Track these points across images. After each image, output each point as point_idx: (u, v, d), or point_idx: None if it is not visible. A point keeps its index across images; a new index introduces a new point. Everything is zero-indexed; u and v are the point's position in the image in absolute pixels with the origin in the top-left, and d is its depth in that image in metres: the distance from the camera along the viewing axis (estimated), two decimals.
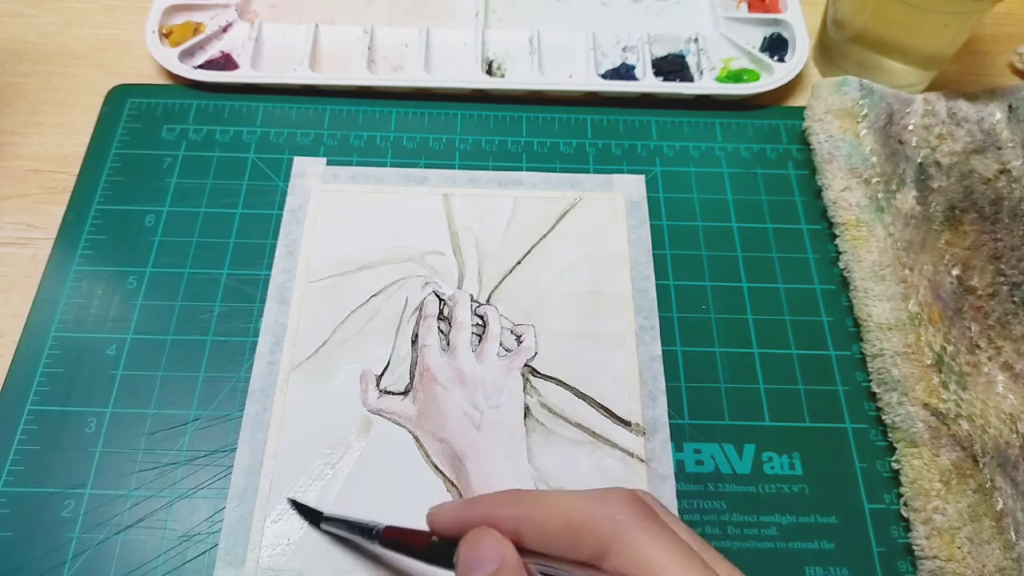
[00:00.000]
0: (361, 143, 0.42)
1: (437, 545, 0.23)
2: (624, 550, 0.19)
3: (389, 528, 0.26)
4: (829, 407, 0.34)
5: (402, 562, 0.30)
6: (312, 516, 0.30)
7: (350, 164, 0.40)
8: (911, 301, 0.35)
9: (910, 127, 0.41)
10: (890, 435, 0.33)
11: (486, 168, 0.41)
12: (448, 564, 0.23)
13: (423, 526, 0.31)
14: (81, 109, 0.42)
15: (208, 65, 0.44)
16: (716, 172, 0.41)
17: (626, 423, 0.33)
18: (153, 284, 0.37)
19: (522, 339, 0.35)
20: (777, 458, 0.33)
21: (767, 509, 0.32)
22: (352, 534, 0.29)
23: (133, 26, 0.45)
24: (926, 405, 0.33)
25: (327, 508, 0.31)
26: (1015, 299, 0.36)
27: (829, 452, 0.33)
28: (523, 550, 0.21)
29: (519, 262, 0.38)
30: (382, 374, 0.34)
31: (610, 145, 0.42)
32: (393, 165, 0.41)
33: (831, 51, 0.45)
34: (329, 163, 0.40)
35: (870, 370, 0.35)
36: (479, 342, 0.35)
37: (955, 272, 0.36)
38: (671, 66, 0.45)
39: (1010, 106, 0.41)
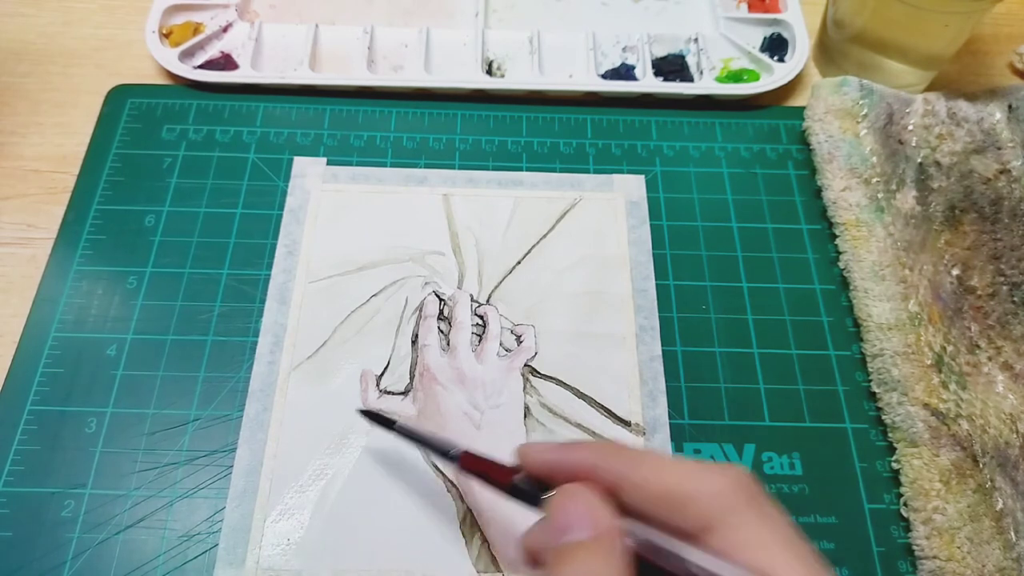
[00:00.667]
0: (361, 143, 0.42)
1: (521, 482, 0.22)
2: (730, 532, 0.18)
3: (467, 454, 0.25)
4: (829, 407, 0.34)
5: (402, 561, 0.30)
6: (385, 423, 0.29)
7: (350, 164, 0.40)
8: (911, 301, 0.35)
9: (910, 127, 0.41)
10: (890, 435, 0.33)
11: (486, 168, 0.41)
12: (528, 501, 0.22)
13: (423, 527, 0.31)
14: (81, 109, 0.42)
15: (208, 65, 0.44)
16: (716, 172, 0.41)
17: (626, 423, 0.33)
18: (153, 284, 0.37)
19: (522, 339, 0.35)
20: (777, 458, 0.33)
21: None
22: (426, 448, 0.28)
23: (133, 26, 0.45)
24: (926, 405, 0.33)
25: (327, 508, 0.31)
26: (1015, 299, 0.36)
27: (829, 452, 0.33)
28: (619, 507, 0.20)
29: (519, 262, 0.38)
30: (382, 374, 0.34)
31: (610, 145, 0.42)
32: (393, 165, 0.41)
33: (831, 51, 0.45)
34: (329, 163, 0.40)
35: (870, 370, 0.35)
36: (479, 342, 0.35)
37: (955, 272, 0.36)
38: (671, 66, 0.45)
39: (1010, 106, 0.41)
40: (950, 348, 0.34)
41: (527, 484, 0.22)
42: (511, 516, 0.31)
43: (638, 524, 0.19)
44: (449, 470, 0.32)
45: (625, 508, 0.20)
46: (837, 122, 0.41)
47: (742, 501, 0.18)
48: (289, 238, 0.38)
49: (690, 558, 0.18)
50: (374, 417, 0.30)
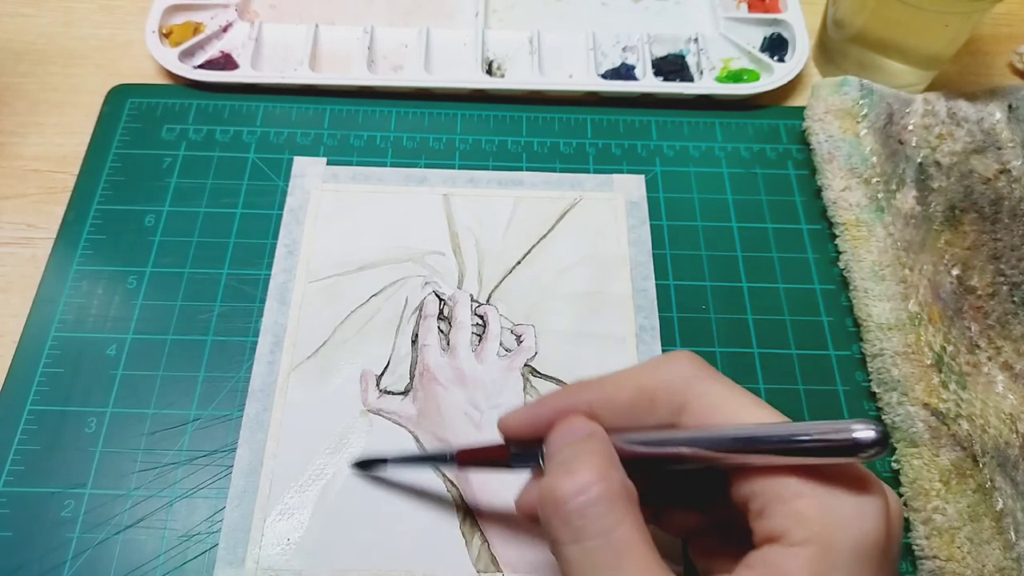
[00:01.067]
0: (361, 143, 0.42)
1: (517, 454, 0.24)
2: (701, 401, 0.19)
3: (462, 451, 0.26)
4: (829, 407, 0.34)
5: (402, 561, 0.30)
6: (378, 466, 0.30)
7: (350, 164, 0.40)
8: (911, 301, 0.35)
9: (910, 127, 0.41)
10: (890, 435, 0.33)
11: (486, 168, 0.41)
12: (534, 463, 0.23)
13: (423, 527, 0.31)
14: (81, 109, 0.42)
15: (208, 65, 0.44)
16: (716, 172, 0.41)
17: None
18: (153, 284, 0.37)
19: (522, 339, 0.35)
20: None
21: None
22: (424, 465, 0.29)
23: (133, 26, 0.45)
24: (926, 405, 0.33)
25: (327, 508, 0.31)
26: (1015, 299, 0.36)
27: None
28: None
29: (519, 262, 0.38)
30: (382, 374, 0.34)
31: (610, 145, 0.42)
32: (393, 165, 0.41)
33: (831, 51, 0.45)
34: (329, 163, 0.40)
35: (870, 370, 0.35)
36: (479, 342, 0.35)
37: (955, 272, 0.36)
38: (671, 66, 0.45)
39: (1010, 106, 0.41)
40: (950, 348, 0.34)
41: (522, 450, 0.24)
42: (511, 516, 0.31)
43: (623, 435, 0.21)
44: (451, 471, 0.32)
45: (607, 431, 0.21)
46: (837, 122, 0.41)
47: (701, 374, 0.20)
48: (289, 238, 0.38)
49: (678, 437, 0.20)
50: (365, 466, 0.31)
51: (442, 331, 0.36)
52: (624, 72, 0.44)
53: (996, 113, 0.41)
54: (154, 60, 0.43)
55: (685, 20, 0.47)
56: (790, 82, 0.43)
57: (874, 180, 0.39)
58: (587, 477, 0.19)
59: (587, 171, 0.41)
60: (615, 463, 0.20)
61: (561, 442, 0.21)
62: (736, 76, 0.44)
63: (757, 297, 0.37)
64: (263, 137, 0.41)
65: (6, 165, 0.40)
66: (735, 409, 0.19)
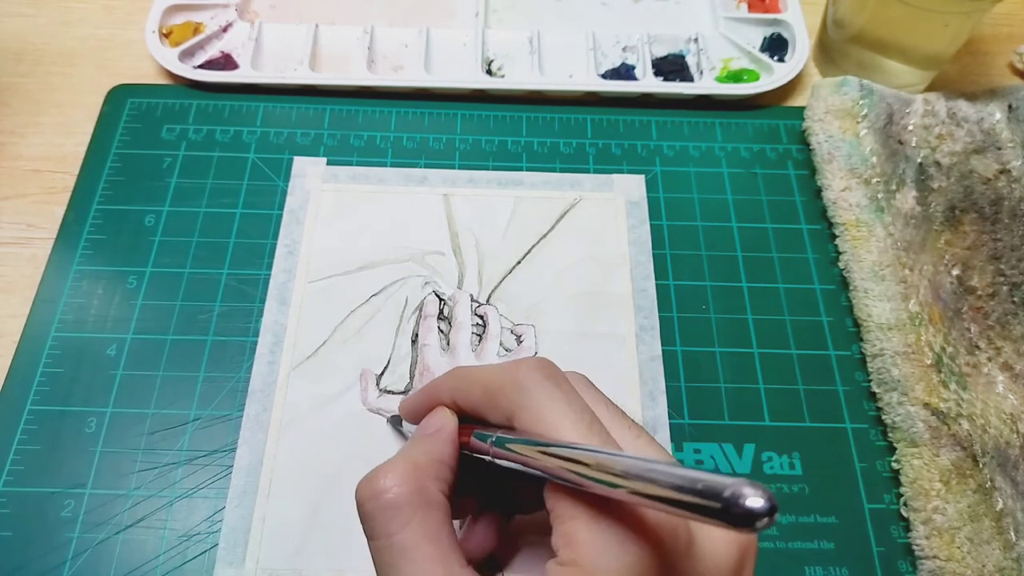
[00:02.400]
0: (361, 143, 0.42)
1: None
2: (526, 410, 0.20)
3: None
4: (829, 407, 0.34)
5: None
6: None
7: (350, 164, 0.40)
8: (911, 301, 0.35)
9: (910, 127, 0.41)
10: (890, 435, 0.33)
11: (486, 168, 0.41)
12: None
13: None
14: (81, 109, 0.42)
15: (208, 65, 0.44)
16: (716, 172, 0.41)
17: None
18: (153, 284, 0.37)
19: (522, 339, 0.35)
20: (777, 458, 0.33)
21: None
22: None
23: (133, 26, 0.45)
24: (926, 405, 0.33)
25: (327, 508, 0.31)
26: (1015, 299, 0.36)
27: (829, 452, 0.33)
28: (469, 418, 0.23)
29: (519, 262, 0.38)
30: (382, 373, 0.34)
31: (610, 145, 0.42)
32: (393, 165, 0.41)
33: (831, 51, 0.45)
34: (329, 163, 0.40)
35: (870, 370, 0.35)
36: (479, 342, 0.35)
37: (955, 272, 0.36)
38: (671, 66, 0.45)
39: (1010, 106, 0.41)
40: (950, 348, 0.34)
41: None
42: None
43: (477, 427, 0.22)
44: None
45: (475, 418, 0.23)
46: (837, 122, 0.41)
47: (535, 384, 0.21)
48: (289, 238, 0.38)
49: (489, 435, 0.21)
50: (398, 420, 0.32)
51: (442, 331, 0.36)
52: (624, 72, 0.44)
53: (996, 113, 0.41)
54: (154, 60, 0.43)
55: (685, 20, 0.47)
56: (790, 82, 0.43)
57: (874, 180, 0.39)
58: (383, 483, 0.20)
59: (587, 171, 0.41)
60: (431, 465, 0.21)
61: (417, 434, 0.23)
62: (736, 76, 0.44)
63: (757, 297, 0.37)
64: (263, 137, 0.41)
65: (6, 165, 0.40)
66: (553, 423, 0.20)
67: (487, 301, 0.36)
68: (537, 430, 0.20)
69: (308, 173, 0.40)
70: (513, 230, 0.38)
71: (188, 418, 0.33)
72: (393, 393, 0.34)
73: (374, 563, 0.20)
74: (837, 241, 0.38)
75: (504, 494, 0.23)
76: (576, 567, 0.18)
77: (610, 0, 0.48)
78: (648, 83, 0.43)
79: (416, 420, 0.24)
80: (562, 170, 0.41)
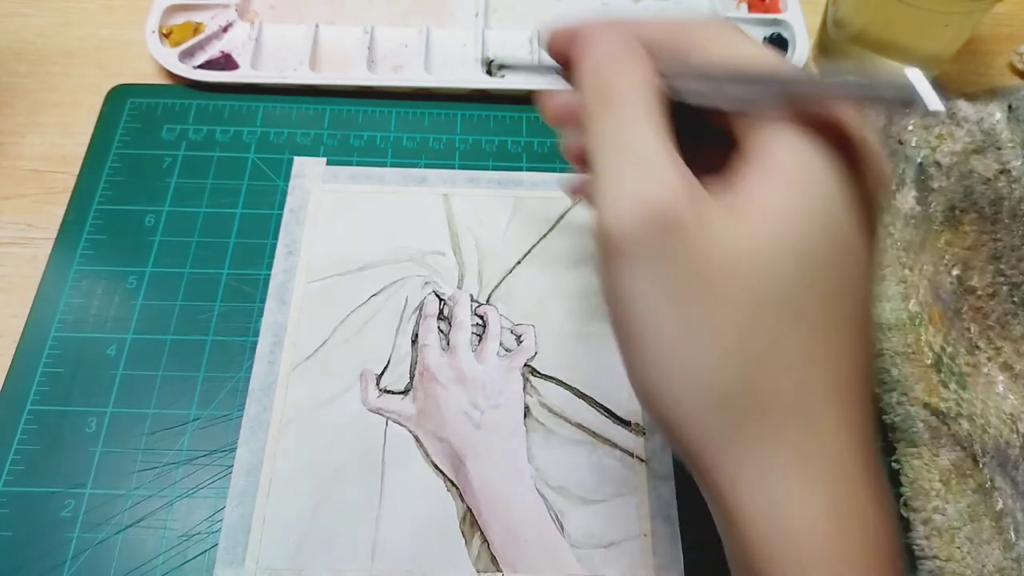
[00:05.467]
0: (361, 143, 0.42)
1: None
2: (716, 43, 0.21)
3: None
4: None
5: (402, 561, 0.30)
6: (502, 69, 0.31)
7: (350, 164, 0.40)
8: (911, 301, 0.35)
9: (910, 127, 0.41)
10: (890, 435, 0.33)
11: (486, 168, 0.41)
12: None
13: (422, 527, 0.31)
14: (81, 109, 0.42)
15: (208, 65, 0.44)
16: None
17: (626, 423, 0.33)
18: (153, 284, 0.37)
19: (522, 339, 0.35)
20: None
21: None
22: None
23: (133, 26, 0.45)
24: (926, 405, 0.33)
25: (327, 508, 0.31)
26: (1015, 299, 0.36)
27: None
28: None
29: (519, 262, 0.38)
30: (382, 373, 0.34)
31: None
32: (393, 165, 0.41)
33: (831, 51, 0.45)
34: (329, 163, 0.40)
35: None
36: (479, 342, 0.35)
37: (955, 272, 0.36)
38: None
39: (1010, 106, 0.41)
40: (950, 348, 0.34)
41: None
42: (511, 516, 0.31)
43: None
44: (449, 470, 0.32)
45: None
46: None
47: (719, 22, 0.22)
48: (289, 238, 0.38)
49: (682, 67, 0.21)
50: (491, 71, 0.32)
51: (442, 331, 0.36)
52: None
53: (996, 113, 0.41)
54: (154, 60, 0.43)
55: None
56: None
57: None
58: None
59: None
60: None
61: (589, 36, 0.23)
62: None
63: None
64: (263, 137, 0.41)
65: (6, 165, 0.40)
66: (751, 53, 0.20)
67: (487, 301, 0.36)
68: (730, 60, 0.20)
69: (308, 173, 0.40)
70: (513, 230, 0.38)
71: (188, 418, 0.33)
72: (393, 393, 0.34)
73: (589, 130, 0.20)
74: None
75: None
76: (786, 182, 0.18)
77: (610, 0, 0.48)
78: None
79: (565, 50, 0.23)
80: (562, 170, 0.41)
